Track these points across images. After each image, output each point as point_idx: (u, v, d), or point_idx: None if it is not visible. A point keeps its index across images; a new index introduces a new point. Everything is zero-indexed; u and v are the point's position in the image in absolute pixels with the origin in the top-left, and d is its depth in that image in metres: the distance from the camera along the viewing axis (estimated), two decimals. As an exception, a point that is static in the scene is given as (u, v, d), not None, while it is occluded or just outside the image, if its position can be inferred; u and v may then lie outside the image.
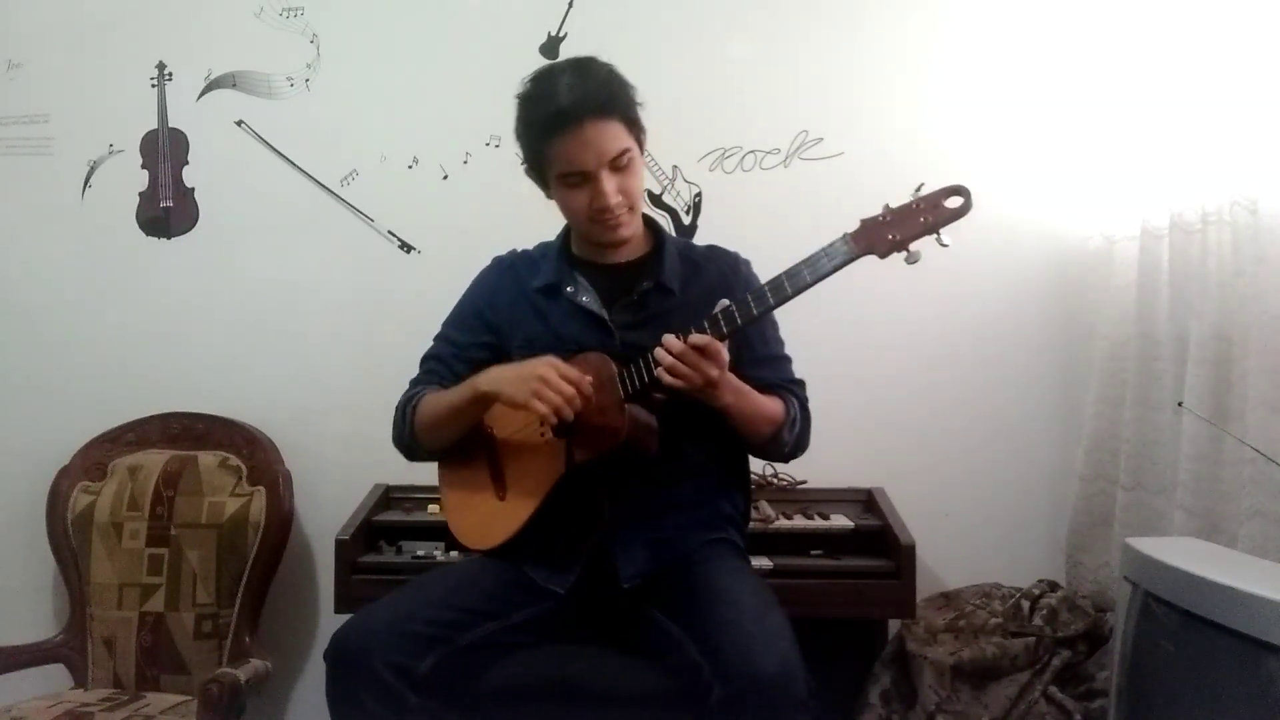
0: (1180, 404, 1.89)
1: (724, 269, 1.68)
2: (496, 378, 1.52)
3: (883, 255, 1.39)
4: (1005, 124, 2.38)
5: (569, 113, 1.46)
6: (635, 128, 1.53)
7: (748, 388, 1.53)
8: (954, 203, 1.37)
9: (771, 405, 1.58)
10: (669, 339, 1.42)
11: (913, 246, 1.38)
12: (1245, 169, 1.80)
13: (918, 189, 1.40)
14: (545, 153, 1.51)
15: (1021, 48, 2.37)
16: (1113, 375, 2.19)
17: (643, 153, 1.57)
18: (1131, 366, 2.11)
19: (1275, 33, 1.76)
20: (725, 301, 1.44)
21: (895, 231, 1.38)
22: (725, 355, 1.43)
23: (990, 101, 2.38)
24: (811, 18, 2.41)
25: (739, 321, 1.43)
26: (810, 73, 2.41)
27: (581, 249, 1.66)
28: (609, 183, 1.50)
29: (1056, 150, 2.36)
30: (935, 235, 1.37)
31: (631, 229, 1.60)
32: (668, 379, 1.42)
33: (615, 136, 1.49)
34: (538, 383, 1.44)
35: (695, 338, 1.41)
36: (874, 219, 1.40)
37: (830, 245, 1.41)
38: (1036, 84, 2.37)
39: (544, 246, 1.72)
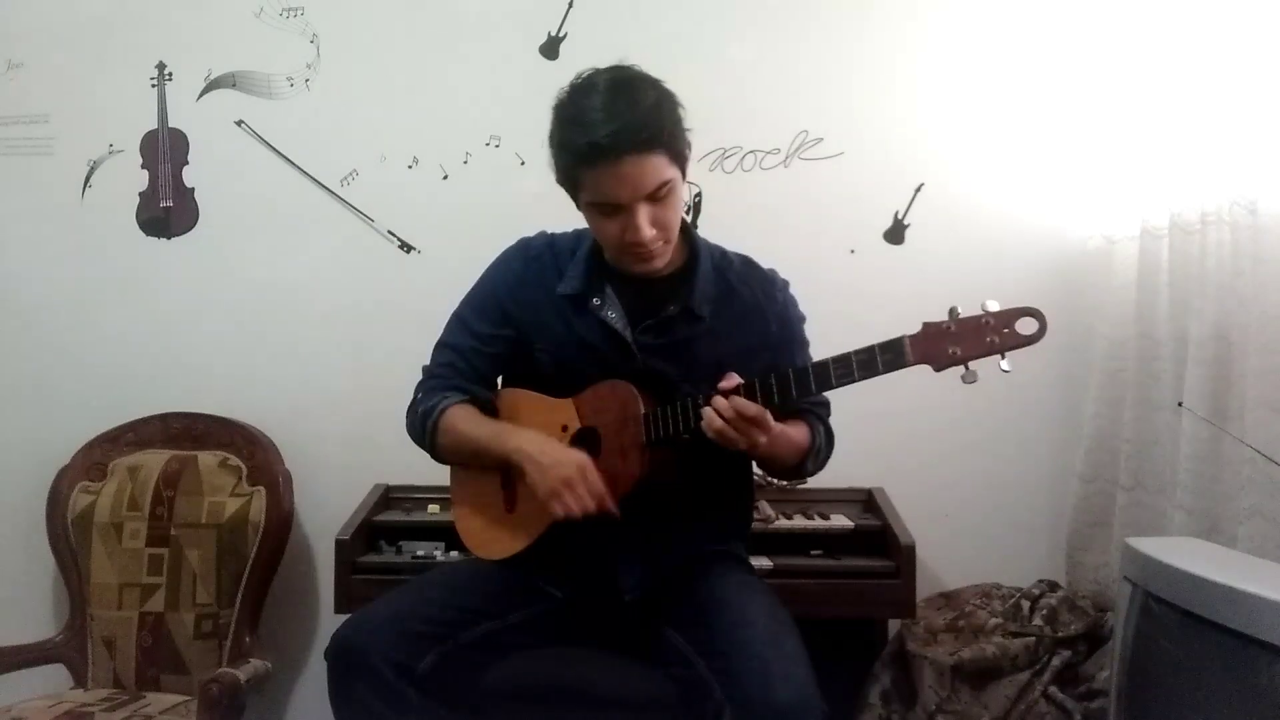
0: (1180, 404, 1.89)
1: (758, 295, 1.60)
2: (530, 454, 1.48)
3: (938, 369, 1.29)
4: (1005, 124, 2.38)
5: (606, 148, 1.34)
6: (679, 157, 1.42)
7: (781, 430, 1.46)
8: (1027, 327, 1.27)
9: (799, 437, 1.54)
10: (720, 402, 1.37)
11: (972, 365, 1.28)
12: (1245, 169, 1.80)
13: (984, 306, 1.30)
14: (577, 178, 1.42)
15: (1022, 48, 2.37)
16: (1113, 375, 2.19)
17: (685, 176, 1.46)
18: (1131, 366, 2.11)
19: (1275, 33, 1.76)
20: (732, 375, 1.40)
21: (958, 347, 1.27)
22: (771, 424, 1.38)
23: (990, 101, 2.38)
24: (811, 18, 2.41)
25: (775, 399, 1.37)
26: (810, 73, 2.41)
27: (615, 261, 1.56)
28: (643, 216, 1.40)
29: (1056, 150, 2.36)
30: (999, 358, 1.27)
31: (666, 258, 1.50)
32: (714, 437, 1.38)
33: (655, 170, 1.38)
34: (563, 486, 1.42)
35: (744, 406, 1.35)
36: (937, 326, 1.28)
37: (886, 344, 1.30)
38: (1036, 84, 2.37)
39: (576, 239, 1.62)
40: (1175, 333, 1.98)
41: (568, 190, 1.49)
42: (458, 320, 1.65)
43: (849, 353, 1.34)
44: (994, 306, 1.27)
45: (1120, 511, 2.12)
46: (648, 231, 1.41)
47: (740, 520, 1.70)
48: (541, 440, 1.51)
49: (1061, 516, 2.33)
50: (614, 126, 1.34)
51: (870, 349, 1.32)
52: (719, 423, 1.36)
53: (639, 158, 1.36)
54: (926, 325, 1.29)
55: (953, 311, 1.29)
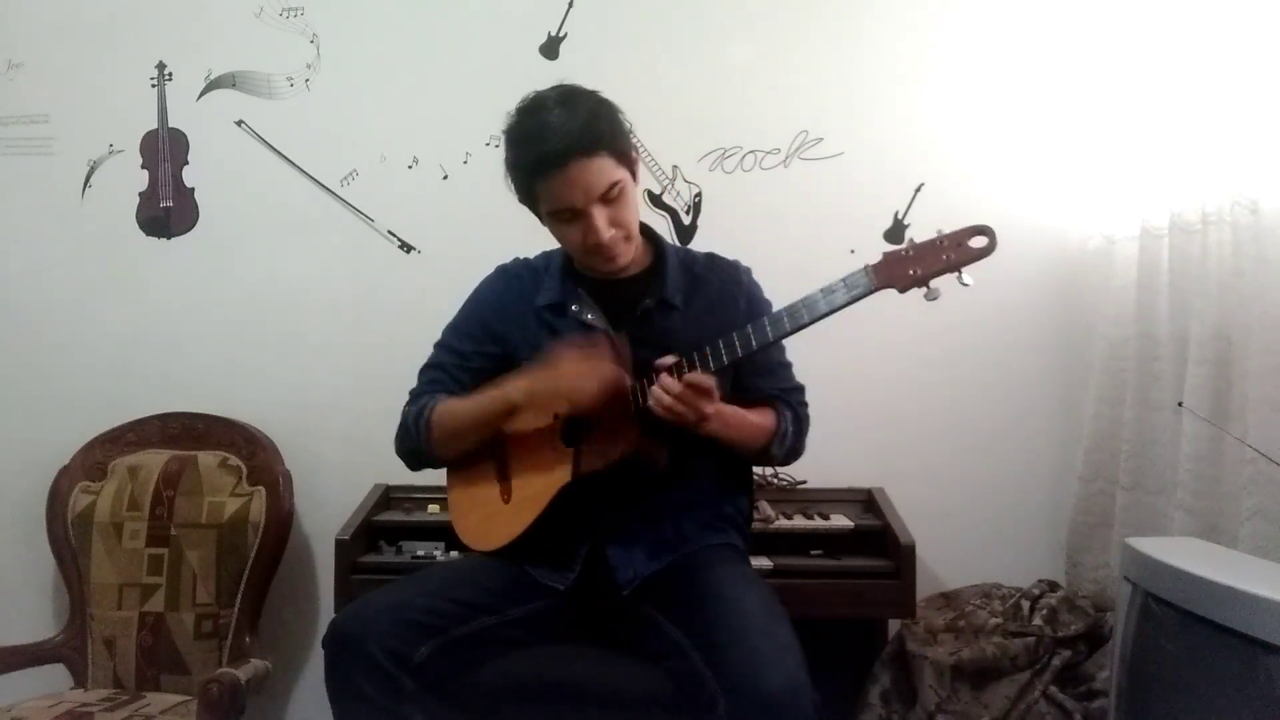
0: (1180, 404, 1.89)
1: (726, 280, 1.68)
2: (527, 387, 1.52)
3: (902, 290, 1.39)
4: (1005, 124, 2.38)
5: (553, 154, 1.43)
6: (625, 158, 1.50)
7: (735, 411, 1.53)
8: (978, 242, 1.38)
9: (761, 423, 1.59)
10: (667, 380, 1.43)
11: (933, 284, 1.39)
12: (1245, 169, 1.79)
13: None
14: (534, 191, 1.50)
15: (1022, 48, 2.37)
16: (1113, 375, 2.19)
17: (636, 177, 1.55)
18: (1131, 366, 2.11)
19: (1275, 33, 1.76)
20: (669, 358, 1.46)
21: (917, 267, 1.38)
22: (716, 391, 1.44)
23: (990, 101, 2.38)
24: (811, 18, 2.41)
25: (754, 345, 1.44)
26: (810, 73, 2.41)
27: (582, 266, 1.64)
28: (600, 218, 1.48)
29: (1056, 150, 2.36)
30: (957, 274, 1.38)
31: (629, 256, 1.58)
32: (660, 413, 1.43)
33: (602, 172, 1.46)
34: (576, 375, 1.46)
35: (692, 376, 1.42)
36: (896, 253, 1.40)
37: (850, 276, 1.40)
38: (1036, 84, 2.37)
39: (546, 257, 1.71)
40: (1175, 333, 1.97)
41: (529, 206, 1.56)
42: (441, 346, 1.71)
43: (815, 290, 1.42)
44: (947, 230, 1.39)
45: (1120, 511, 2.12)
46: (606, 232, 1.49)
47: (736, 511, 1.71)
48: (529, 372, 1.54)
49: (1061, 516, 2.34)
50: (558, 135, 1.44)
51: (835, 283, 1.42)
52: (667, 399, 1.42)
53: (585, 161, 1.44)
54: (886, 253, 1.41)
55: (910, 240, 1.41)
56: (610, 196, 1.48)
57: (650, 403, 1.44)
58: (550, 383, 1.50)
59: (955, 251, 1.38)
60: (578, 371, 1.47)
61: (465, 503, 1.68)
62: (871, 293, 1.40)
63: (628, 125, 1.53)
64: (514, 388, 1.54)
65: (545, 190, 1.48)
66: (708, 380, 1.42)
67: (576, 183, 1.45)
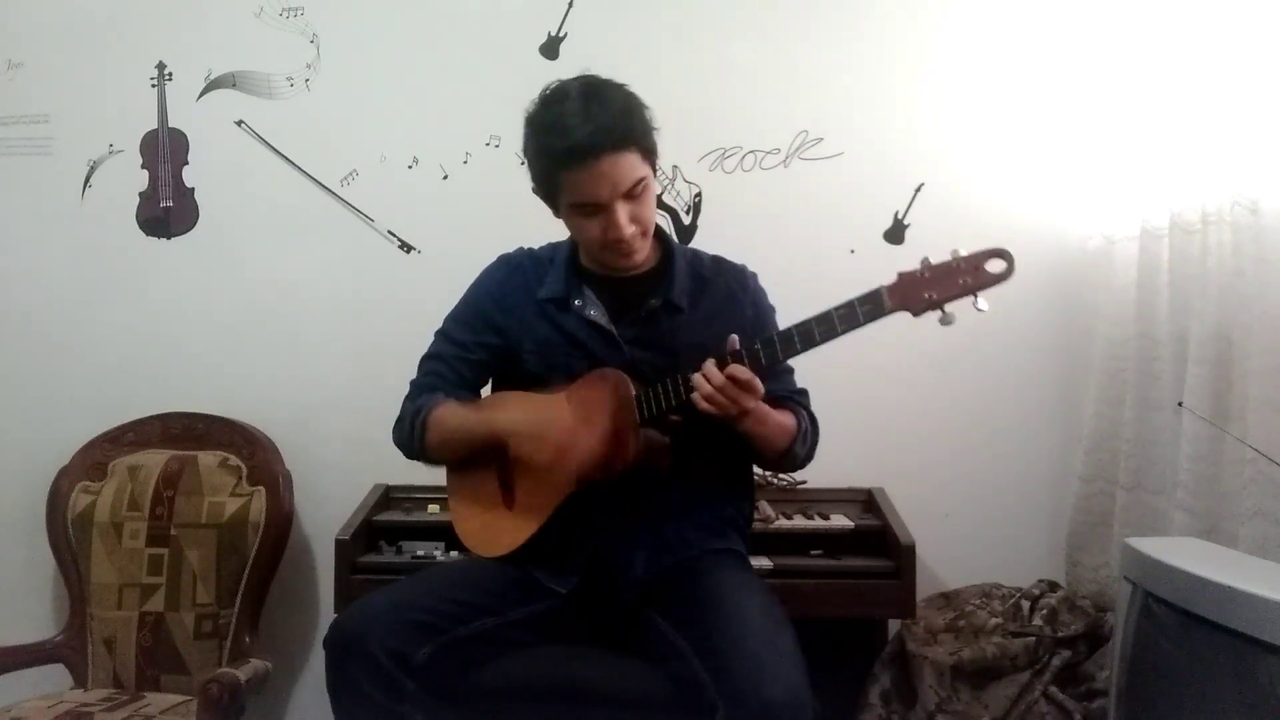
0: (1180, 404, 1.89)
1: (732, 284, 1.66)
2: (515, 431, 1.53)
3: (917, 314, 1.36)
4: (1005, 124, 2.38)
5: (585, 147, 1.41)
6: (650, 155, 1.49)
7: (766, 409, 1.51)
8: (996, 267, 1.33)
9: (787, 421, 1.58)
10: (710, 369, 1.41)
11: (948, 308, 1.35)
12: (1245, 169, 1.80)
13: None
14: (557, 181, 1.48)
15: (1022, 47, 2.37)
16: (1113, 375, 2.19)
17: (656, 174, 1.54)
18: (1131, 366, 2.11)
19: (1275, 33, 1.76)
20: (735, 337, 1.44)
21: (933, 291, 1.35)
22: (761, 389, 1.43)
23: (990, 101, 2.38)
24: (811, 18, 2.41)
25: (763, 361, 1.42)
26: (810, 73, 2.41)
27: (590, 262, 1.63)
28: (622, 213, 1.47)
29: (1056, 150, 2.36)
30: (972, 299, 1.34)
31: (644, 253, 1.57)
32: (704, 406, 1.42)
33: (631, 167, 1.45)
34: (557, 452, 1.47)
35: (738, 370, 1.40)
36: (912, 274, 1.36)
37: (864, 296, 1.38)
38: (1036, 84, 2.37)
39: (552, 249, 1.70)
40: (1175, 333, 1.98)
41: (546, 197, 1.55)
42: (441, 334, 1.70)
43: (829, 309, 1.39)
44: (964, 252, 1.35)
45: (1120, 511, 2.12)
46: (628, 228, 1.48)
47: (738, 513, 1.70)
48: (526, 413, 1.54)
49: (1061, 516, 2.34)
50: (591, 128, 1.41)
51: (850, 302, 1.39)
52: (708, 388, 1.41)
53: (615, 156, 1.43)
54: (901, 274, 1.37)
55: (925, 260, 1.36)
56: (634, 193, 1.47)
57: (693, 396, 1.42)
58: (537, 446, 1.51)
59: (972, 275, 1.34)
60: (567, 445, 1.47)
61: (467, 507, 1.67)
62: (887, 314, 1.37)
63: (654, 122, 1.50)
64: (504, 428, 1.55)
65: (570, 182, 1.46)
66: (754, 378, 1.41)
67: (605, 177, 1.44)
